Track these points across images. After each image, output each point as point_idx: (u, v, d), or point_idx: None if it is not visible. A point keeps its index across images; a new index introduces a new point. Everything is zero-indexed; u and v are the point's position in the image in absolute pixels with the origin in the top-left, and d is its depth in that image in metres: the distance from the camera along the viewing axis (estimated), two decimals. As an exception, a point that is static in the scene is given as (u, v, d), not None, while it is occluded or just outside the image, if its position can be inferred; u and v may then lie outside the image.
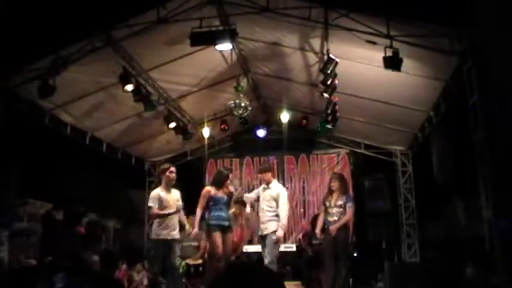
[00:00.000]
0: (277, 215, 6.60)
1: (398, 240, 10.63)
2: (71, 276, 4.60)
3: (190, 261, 8.30)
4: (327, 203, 7.26)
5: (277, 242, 6.55)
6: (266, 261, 6.35)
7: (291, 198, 11.35)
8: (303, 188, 11.44)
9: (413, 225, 10.66)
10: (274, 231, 6.56)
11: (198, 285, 8.08)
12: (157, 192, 6.28)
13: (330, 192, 7.28)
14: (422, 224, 10.72)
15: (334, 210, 7.10)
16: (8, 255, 7.25)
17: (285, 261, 9.06)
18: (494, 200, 5.84)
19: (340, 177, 7.42)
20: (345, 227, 7.06)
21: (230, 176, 7.08)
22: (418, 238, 10.61)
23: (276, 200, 6.62)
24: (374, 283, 9.20)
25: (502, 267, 5.46)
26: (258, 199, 6.95)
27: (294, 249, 9.16)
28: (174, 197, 6.42)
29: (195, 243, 8.65)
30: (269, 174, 6.85)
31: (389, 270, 8.15)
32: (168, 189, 6.36)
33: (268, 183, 6.80)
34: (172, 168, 6.42)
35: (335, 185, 7.19)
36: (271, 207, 6.65)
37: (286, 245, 9.49)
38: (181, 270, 8.24)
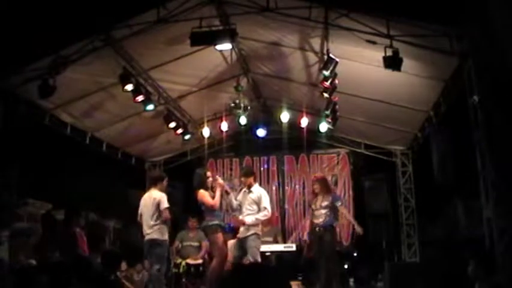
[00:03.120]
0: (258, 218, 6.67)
1: (398, 240, 10.62)
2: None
3: (190, 261, 8.30)
4: (313, 206, 7.39)
5: (240, 223, 6.62)
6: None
7: (290, 198, 11.43)
8: (303, 188, 11.42)
9: (413, 225, 10.65)
10: (255, 233, 6.58)
11: (198, 285, 8.08)
12: None
13: (315, 195, 7.42)
14: (422, 224, 10.72)
15: (320, 211, 7.21)
16: (8, 255, 7.24)
17: (285, 261, 9.04)
18: (494, 200, 5.84)
19: (321, 180, 7.52)
20: (330, 227, 7.14)
21: (208, 173, 7.12)
22: (418, 238, 10.60)
23: (258, 204, 6.66)
24: (374, 283, 9.20)
25: (502, 267, 5.46)
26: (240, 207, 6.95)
27: (294, 249, 9.13)
28: None
29: (195, 243, 8.66)
30: (251, 179, 6.89)
31: (389, 270, 8.15)
32: None
33: (249, 186, 6.83)
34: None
35: (317, 187, 7.34)
36: (252, 210, 6.67)
37: (286, 245, 9.47)
38: (181, 270, 8.26)
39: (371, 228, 10.08)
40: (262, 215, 6.64)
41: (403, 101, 8.49)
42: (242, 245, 6.61)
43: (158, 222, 6.51)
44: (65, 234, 7.90)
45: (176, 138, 10.32)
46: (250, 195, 6.75)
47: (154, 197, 6.60)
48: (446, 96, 7.69)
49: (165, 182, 6.91)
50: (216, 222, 6.67)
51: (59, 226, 9.35)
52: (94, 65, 7.44)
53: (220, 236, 6.65)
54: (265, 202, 6.70)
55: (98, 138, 9.80)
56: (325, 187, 7.39)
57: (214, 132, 10.84)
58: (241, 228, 6.72)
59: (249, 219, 6.56)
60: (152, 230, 6.50)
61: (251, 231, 6.57)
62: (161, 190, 6.73)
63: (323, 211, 7.16)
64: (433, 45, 6.46)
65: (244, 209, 6.74)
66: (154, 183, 6.87)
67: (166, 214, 6.49)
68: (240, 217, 6.72)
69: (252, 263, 6.12)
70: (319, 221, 7.13)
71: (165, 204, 6.52)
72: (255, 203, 6.67)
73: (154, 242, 6.49)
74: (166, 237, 6.60)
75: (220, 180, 6.86)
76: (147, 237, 6.57)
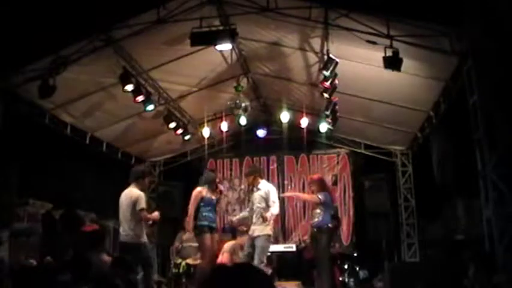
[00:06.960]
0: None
1: (398, 240, 10.63)
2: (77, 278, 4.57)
3: (190, 262, 8.31)
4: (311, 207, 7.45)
5: (264, 221, 6.58)
6: (255, 262, 6.35)
7: (291, 198, 11.39)
8: (303, 188, 11.42)
9: (413, 225, 10.66)
10: (266, 235, 6.59)
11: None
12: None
13: None
14: (422, 224, 10.71)
15: (315, 211, 7.26)
16: (8, 255, 7.24)
17: (284, 261, 9.05)
18: (494, 200, 5.84)
19: (317, 181, 7.57)
20: (326, 227, 7.18)
21: (217, 178, 7.16)
22: (418, 238, 10.61)
23: (266, 200, 6.67)
24: (374, 283, 9.19)
25: (502, 267, 5.46)
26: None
27: (294, 249, 9.14)
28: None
29: (195, 244, 8.66)
30: (252, 177, 6.95)
31: (390, 270, 8.15)
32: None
33: (255, 184, 6.87)
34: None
35: (314, 188, 7.39)
36: (261, 208, 6.68)
37: (286, 245, 9.48)
38: (181, 270, 8.27)
39: (371, 228, 10.08)
40: (275, 210, 6.68)
41: (403, 101, 8.49)
42: (253, 243, 6.64)
43: (134, 224, 5.98)
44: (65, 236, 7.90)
45: (176, 138, 10.32)
46: (259, 192, 6.80)
47: (131, 196, 6.07)
48: (446, 96, 7.69)
49: (146, 180, 6.44)
50: (204, 223, 6.71)
51: (59, 226, 9.33)
52: (94, 65, 7.44)
53: (207, 237, 6.68)
54: (274, 196, 6.74)
55: (98, 138, 9.81)
56: (321, 187, 7.44)
57: (214, 132, 10.85)
58: (255, 226, 6.69)
59: (267, 215, 6.60)
60: (126, 232, 5.99)
61: (264, 232, 6.59)
62: (141, 189, 6.22)
63: (317, 211, 7.21)
64: (433, 45, 6.46)
65: (254, 207, 6.77)
66: (136, 179, 6.24)
67: (143, 215, 6.00)
68: (254, 215, 6.73)
69: (236, 263, 6.14)
70: (314, 221, 7.20)
71: (141, 204, 5.97)
72: (263, 200, 6.70)
73: (125, 246, 5.98)
74: (143, 239, 6.05)
75: (221, 188, 7.00)
76: (120, 239, 6.11)
